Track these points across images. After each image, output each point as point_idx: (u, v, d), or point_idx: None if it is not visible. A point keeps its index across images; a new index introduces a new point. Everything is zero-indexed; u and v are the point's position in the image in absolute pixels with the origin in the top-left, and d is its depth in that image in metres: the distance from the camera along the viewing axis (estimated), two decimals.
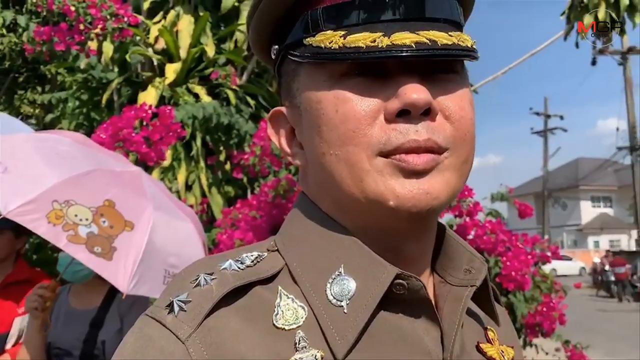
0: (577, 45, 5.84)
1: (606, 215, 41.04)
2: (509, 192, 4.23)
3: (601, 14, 5.26)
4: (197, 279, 0.55)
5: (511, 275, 3.24)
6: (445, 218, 3.67)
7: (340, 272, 0.57)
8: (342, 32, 0.56)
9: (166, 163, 4.40)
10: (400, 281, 0.56)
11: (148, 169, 3.26)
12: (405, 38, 0.54)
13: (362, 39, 0.54)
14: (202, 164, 4.88)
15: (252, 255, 0.59)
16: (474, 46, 0.59)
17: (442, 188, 0.56)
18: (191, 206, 4.43)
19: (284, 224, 0.67)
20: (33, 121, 8.16)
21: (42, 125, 6.70)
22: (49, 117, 6.17)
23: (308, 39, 0.58)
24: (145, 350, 0.52)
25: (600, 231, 39.20)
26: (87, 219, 1.88)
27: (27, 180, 1.89)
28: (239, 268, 0.57)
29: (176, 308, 0.53)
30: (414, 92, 0.54)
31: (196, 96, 5.10)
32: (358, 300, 0.55)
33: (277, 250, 0.62)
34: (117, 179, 2.15)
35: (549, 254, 3.78)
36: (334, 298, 0.56)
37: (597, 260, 23.02)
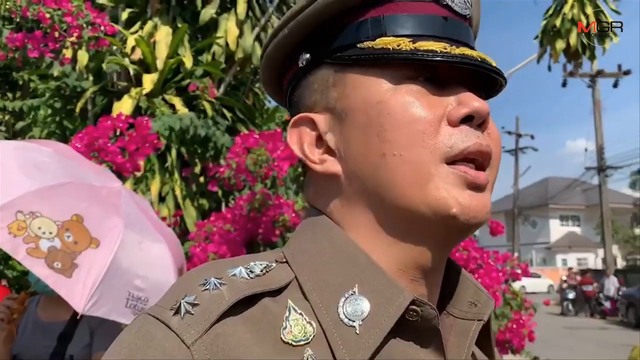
0: (549, 68, 6.01)
1: (574, 234, 41.79)
2: None
3: (573, 39, 5.42)
4: (206, 282, 0.53)
5: None
6: None
7: (354, 292, 0.56)
8: (408, 39, 0.57)
9: (139, 174, 4.35)
10: (415, 307, 0.55)
11: (122, 180, 3.23)
12: (471, 52, 0.57)
13: (432, 45, 0.56)
14: (176, 175, 4.84)
15: (260, 264, 0.58)
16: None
17: (490, 205, 0.59)
18: (164, 218, 4.38)
19: (294, 236, 0.65)
20: (2, 128, 7.99)
21: (12, 133, 6.57)
22: (20, 124, 6.06)
23: (366, 43, 0.59)
24: (146, 350, 0.50)
25: (569, 249, 39.88)
26: (50, 233, 1.83)
27: None
28: (248, 276, 0.55)
29: (183, 310, 0.51)
30: (476, 101, 0.57)
31: (172, 107, 5.07)
32: (371, 321, 0.53)
33: (286, 262, 0.60)
34: (92, 194, 2.09)
35: (519, 271, 3.84)
36: (346, 317, 0.54)
37: (564, 278, 23.42)
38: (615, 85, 21.04)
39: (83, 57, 4.73)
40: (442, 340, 0.57)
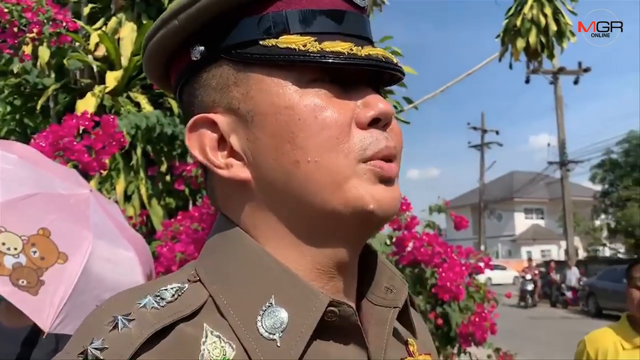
0: (510, 66, 6.14)
1: (538, 227, 42.71)
2: (445, 204, 4.37)
3: (532, 38, 5.55)
4: (113, 321, 0.50)
5: (447, 286, 3.36)
6: (385, 231, 3.77)
7: (271, 303, 0.55)
8: (314, 38, 0.56)
9: (105, 172, 4.29)
10: (332, 308, 0.55)
11: (88, 179, 3.19)
12: (376, 51, 0.57)
13: (340, 46, 0.55)
14: (142, 174, 4.79)
15: (172, 289, 0.55)
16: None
17: (399, 196, 0.60)
18: (130, 218, 4.34)
19: (204, 250, 0.62)
20: None
21: None
22: None
23: (268, 40, 0.56)
24: None
25: (533, 242, 40.75)
26: (15, 249, 1.74)
27: None
28: (158, 305, 0.53)
29: (90, 357, 0.48)
30: (381, 102, 0.57)
31: (137, 105, 5.01)
32: (291, 332, 0.53)
33: (199, 280, 0.58)
34: (60, 204, 2.01)
35: (482, 264, 3.94)
36: (266, 331, 0.53)
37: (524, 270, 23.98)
38: (576, 82, 21.57)
39: (44, 53, 4.63)
40: (362, 334, 0.57)
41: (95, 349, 0.48)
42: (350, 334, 0.57)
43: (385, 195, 0.57)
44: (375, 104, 0.57)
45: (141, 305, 0.52)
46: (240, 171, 0.59)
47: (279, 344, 0.52)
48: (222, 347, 0.52)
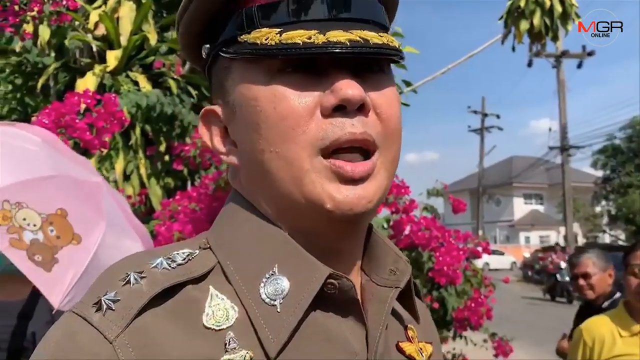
0: (513, 49, 6.08)
1: (537, 212, 42.80)
2: (444, 188, 4.36)
3: (536, 20, 5.50)
4: (126, 277, 0.54)
5: (443, 270, 3.36)
6: (383, 214, 3.77)
7: (274, 272, 0.57)
8: (278, 30, 0.57)
9: (106, 151, 4.30)
10: (332, 281, 0.57)
11: (88, 157, 3.19)
12: (339, 36, 0.56)
13: (298, 35, 0.56)
14: (141, 154, 4.79)
15: (183, 253, 0.59)
16: (400, 48, 0.62)
17: (376, 192, 0.59)
18: (129, 197, 4.35)
19: (217, 221, 0.66)
20: None
21: None
22: None
23: (243, 36, 0.59)
24: (69, 348, 0.51)
25: (531, 227, 40.87)
26: (34, 225, 1.81)
27: None
28: (169, 266, 0.56)
29: (104, 307, 0.52)
30: (349, 88, 0.56)
31: (137, 84, 5.00)
32: (291, 299, 0.56)
33: (210, 247, 0.61)
34: (76, 189, 2.07)
35: (479, 249, 3.94)
36: (268, 297, 0.56)
37: (527, 255, 23.92)
38: (579, 66, 21.42)
39: (45, 32, 4.61)
40: (361, 309, 0.60)
41: (108, 299, 0.52)
42: (350, 308, 0.59)
43: (345, 194, 0.57)
44: (340, 89, 0.56)
45: (153, 265, 0.56)
46: (233, 157, 0.64)
47: (279, 310, 0.55)
48: (225, 309, 0.56)
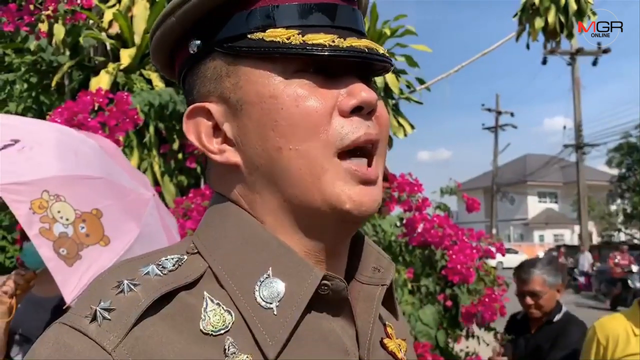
0: (527, 46, 6.02)
1: (551, 211, 42.47)
2: (457, 186, 4.33)
3: (551, 17, 5.45)
4: (119, 286, 0.53)
5: (456, 268, 3.35)
6: (395, 211, 3.76)
7: (269, 275, 0.58)
8: (298, 31, 0.58)
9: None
10: (326, 282, 0.58)
11: None
12: (359, 42, 0.59)
13: (321, 38, 0.57)
14: (154, 152, 4.82)
15: (172, 259, 0.58)
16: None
17: (380, 193, 0.62)
18: None
19: (202, 225, 0.66)
20: None
21: None
22: None
23: (257, 33, 0.59)
24: None
25: (546, 226, 40.57)
26: (67, 219, 1.85)
27: (32, 164, 1.88)
28: (161, 273, 0.56)
29: (99, 317, 0.51)
30: (365, 91, 0.59)
31: (150, 82, 5.03)
32: (287, 302, 0.56)
33: (198, 252, 0.61)
34: (120, 195, 2.10)
35: (493, 249, 3.91)
36: (263, 301, 0.56)
37: (541, 254, 23.75)
38: (594, 64, 21.21)
39: (59, 31, 4.64)
40: (351, 308, 0.61)
41: (103, 309, 0.51)
42: (341, 308, 0.61)
43: (363, 195, 0.59)
44: (358, 92, 0.59)
45: (145, 272, 0.56)
46: (232, 156, 0.62)
47: (275, 313, 0.56)
48: (221, 314, 0.56)
